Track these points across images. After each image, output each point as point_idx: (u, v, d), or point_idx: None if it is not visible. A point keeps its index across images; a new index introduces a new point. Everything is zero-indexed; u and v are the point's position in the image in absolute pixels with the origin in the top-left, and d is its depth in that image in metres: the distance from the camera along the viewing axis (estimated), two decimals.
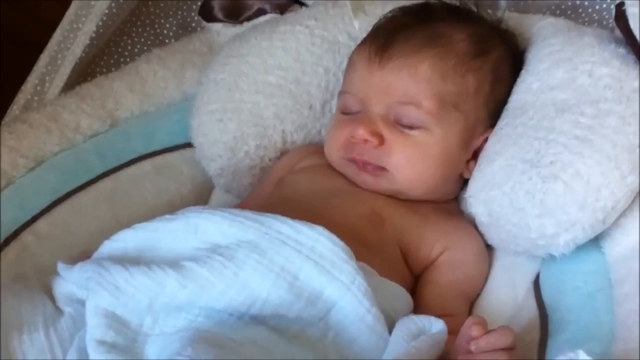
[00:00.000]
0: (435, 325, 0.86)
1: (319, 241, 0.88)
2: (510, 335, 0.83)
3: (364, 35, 1.16)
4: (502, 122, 1.06)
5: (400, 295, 0.96)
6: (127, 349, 0.86)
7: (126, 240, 0.95)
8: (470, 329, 0.84)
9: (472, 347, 0.83)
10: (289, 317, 0.86)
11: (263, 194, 1.17)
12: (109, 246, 0.96)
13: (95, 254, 0.96)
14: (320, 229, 0.89)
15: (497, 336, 0.83)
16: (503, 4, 1.24)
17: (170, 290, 0.86)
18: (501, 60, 1.10)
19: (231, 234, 0.90)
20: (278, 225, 0.89)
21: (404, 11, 1.14)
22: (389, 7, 1.17)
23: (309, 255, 0.87)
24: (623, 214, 0.95)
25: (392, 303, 0.93)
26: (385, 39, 1.07)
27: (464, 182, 1.10)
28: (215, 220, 0.91)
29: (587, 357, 0.72)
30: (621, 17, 0.99)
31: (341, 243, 0.88)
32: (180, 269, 0.86)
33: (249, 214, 0.92)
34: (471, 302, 1.04)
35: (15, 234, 1.11)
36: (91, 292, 0.88)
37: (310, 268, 0.86)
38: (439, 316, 0.96)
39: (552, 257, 0.98)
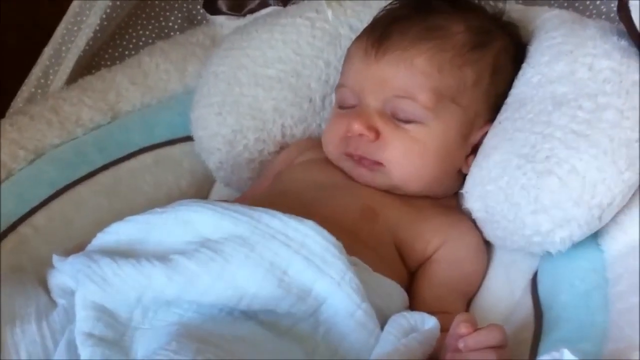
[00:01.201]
0: (428, 322, 0.85)
1: (309, 236, 0.87)
2: (500, 333, 0.82)
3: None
4: (501, 116, 1.04)
5: (394, 292, 0.95)
6: (115, 342, 0.86)
7: (118, 232, 0.95)
8: (459, 326, 0.82)
9: (460, 345, 0.81)
10: (278, 313, 0.85)
11: (261, 188, 1.16)
12: (102, 239, 0.96)
13: (89, 247, 0.96)
14: (310, 223, 0.88)
15: (486, 334, 0.82)
16: None
17: (158, 284, 0.85)
18: (502, 53, 1.08)
19: (221, 227, 0.89)
20: (268, 219, 0.88)
21: (401, 3, 1.12)
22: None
23: (298, 250, 0.86)
24: (622, 211, 0.93)
25: (385, 299, 0.91)
26: (381, 31, 1.06)
27: (464, 178, 1.08)
28: (204, 214, 0.90)
29: (572, 357, 0.71)
30: (623, 8, 0.97)
31: (332, 238, 0.87)
32: (168, 262, 0.86)
33: (239, 207, 0.91)
34: (468, 299, 1.02)
35: (14, 226, 1.11)
36: (80, 284, 0.88)
37: (299, 263, 0.85)
38: (433, 313, 0.95)
39: (549, 255, 0.96)
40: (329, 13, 0.90)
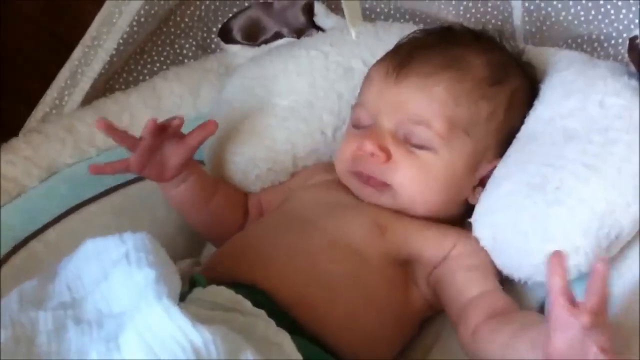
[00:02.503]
0: None
1: None
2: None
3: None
4: (511, 149, 1.06)
5: None
6: None
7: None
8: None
9: (585, 320, 0.74)
10: None
11: (272, 202, 1.18)
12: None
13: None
14: None
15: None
16: (520, 34, 1.25)
17: None
18: (518, 91, 1.10)
19: None
20: None
21: (426, 32, 1.15)
22: (407, 32, 1.19)
23: None
24: (628, 246, 0.94)
25: None
26: (404, 56, 1.08)
27: (469, 208, 1.09)
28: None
29: None
30: (634, 49, 1.00)
31: None
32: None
33: None
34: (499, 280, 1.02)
35: (25, 241, 1.13)
36: None
37: None
38: (474, 297, 0.97)
39: None
40: (353, 33, 0.92)
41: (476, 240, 1.04)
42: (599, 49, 1.26)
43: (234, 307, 0.89)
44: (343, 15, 1.33)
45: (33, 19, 1.83)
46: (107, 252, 0.88)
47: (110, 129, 1.06)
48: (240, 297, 0.90)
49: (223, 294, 0.91)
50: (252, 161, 1.19)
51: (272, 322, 0.87)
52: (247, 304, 0.89)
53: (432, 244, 1.05)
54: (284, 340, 0.85)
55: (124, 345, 0.77)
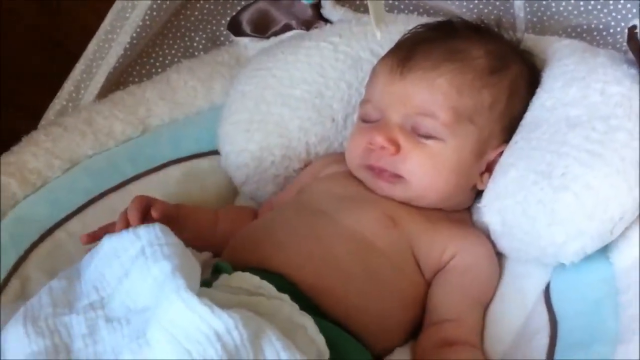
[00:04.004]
0: None
1: None
2: None
3: (386, 51, 1.21)
4: (516, 137, 1.10)
5: None
6: None
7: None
8: None
9: None
10: None
11: (284, 199, 1.22)
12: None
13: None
14: None
15: None
16: (521, 24, 1.30)
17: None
18: (518, 78, 1.14)
19: None
20: None
21: (427, 27, 1.19)
22: (412, 24, 1.23)
23: None
24: (630, 227, 0.99)
25: None
26: (407, 52, 1.12)
27: (477, 194, 1.15)
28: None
29: None
30: (633, 39, 1.04)
31: None
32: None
33: None
34: (483, 307, 1.07)
35: (50, 231, 1.17)
36: None
37: None
38: (446, 320, 1.02)
39: (561, 267, 1.02)
40: (378, 34, 0.96)
41: (476, 250, 1.09)
42: (598, 37, 1.31)
43: (259, 292, 0.94)
44: (349, 8, 1.38)
45: (33, 26, 1.86)
46: (125, 249, 0.92)
47: (93, 238, 1.08)
48: (265, 282, 0.95)
49: (248, 279, 0.96)
50: (267, 148, 1.24)
51: (296, 306, 0.92)
52: (272, 288, 0.94)
53: (437, 249, 1.08)
54: (308, 322, 0.90)
55: (152, 340, 0.81)
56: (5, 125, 1.61)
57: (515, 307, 1.05)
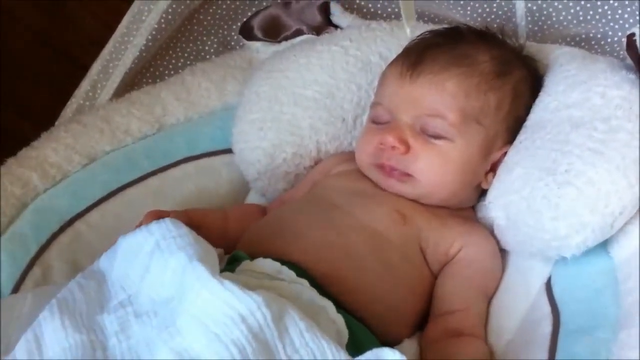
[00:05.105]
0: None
1: None
2: None
3: (394, 56, 1.26)
4: (521, 137, 1.16)
5: None
6: None
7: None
8: None
9: None
10: None
11: (297, 195, 1.27)
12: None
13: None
14: None
15: None
16: (522, 32, 1.36)
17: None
18: (521, 82, 1.20)
19: None
20: None
21: (434, 33, 1.25)
22: (419, 30, 1.28)
23: None
24: (629, 222, 1.04)
25: None
26: (416, 56, 1.18)
27: (481, 193, 1.20)
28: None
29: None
30: (632, 46, 1.10)
31: None
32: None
33: None
34: (487, 298, 1.12)
35: (70, 222, 1.22)
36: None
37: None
38: (453, 311, 1.06)
39: (563, 260, 1.07)
40: (408, 31, 1.01)
41: (481, 245, 1.14)
42: (596, 46, 1.36)
43: (279, 277, 0.99)
44: (357, 14, 1.43)
45: (33, 29, 1.91)
46: (140, 247, 0.97)
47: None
48: (285, 267, 1.00)
49: (269, 265, 1.01)
50: (279, 146, 1.29)
51: (315, 290, 0.97)
52: (292, 273, 0.99)
53: (445, 244, 1.14)
54: (328, 304, 0.95)
55: (182, 328, 0.86)
56: (5, 125, 1.66)
57: (519, 299, 1.10)
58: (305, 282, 0.98)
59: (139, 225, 1.09)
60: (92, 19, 1.88)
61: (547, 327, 1.02)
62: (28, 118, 1.71)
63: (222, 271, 0.96)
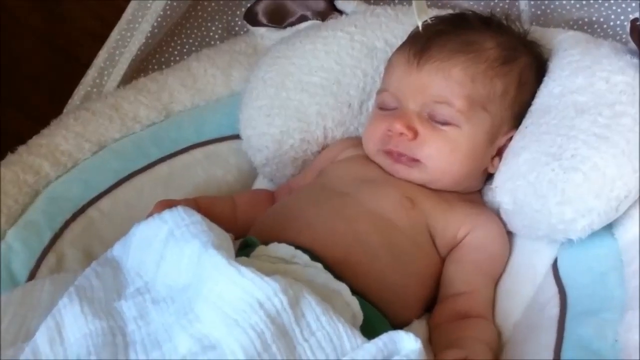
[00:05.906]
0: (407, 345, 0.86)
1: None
2: None
3: (399, 42, 1.28)
4: (526, 122, 1.17)
5: None
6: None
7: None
8: None
9: None
10: None
11: (304, 181, 1.28)
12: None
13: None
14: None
15: None
16: (526, 17, 1.37)
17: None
18: (527, 68, 1.21)
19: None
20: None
21: (440, 20, 1.25)
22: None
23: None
24: (634, 205, 1.06)
25: None
26: (423, 43, 1.19)
27: (488, 177, 1.22)
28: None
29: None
30: (635, 30, 1.11)
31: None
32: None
33: None
34: (494, 280, 1.14)
35: (82, 209, 1.24)
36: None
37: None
38: (461, 293, 1.09)
39: (569, 243, 1.09)
40: (420, 25, 1.02)
41: (489, 228, 1.16)
42: (598, 29, 1.38)
43: (294, 261, 1.01)
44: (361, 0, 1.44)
45: (34, 29, 1.91)
46: (155, 235, 0.99)
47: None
48: (299, 251, 1.02)
49: (284, 249, 1.03)
50: (286, 132, 1.31)
51: (329, 274, 0.99)
52: (306, 257, 1.01)
53: (453, 227, 1.16)
54: (342, 287, 0.97)
55: (201, 315, 0.88)
56: (5, 125, 1.67)
57: (526, 281, 1.12)
58: (319, 266, 1.00)
59: (150, 214, 1.10)
60: (92, 18, 1.88)
61: (554, 309, 1.04)
62: (28, 118, 1.72)
63: (236, 257, 0.97)
